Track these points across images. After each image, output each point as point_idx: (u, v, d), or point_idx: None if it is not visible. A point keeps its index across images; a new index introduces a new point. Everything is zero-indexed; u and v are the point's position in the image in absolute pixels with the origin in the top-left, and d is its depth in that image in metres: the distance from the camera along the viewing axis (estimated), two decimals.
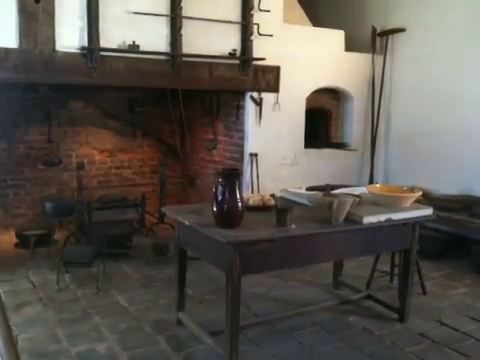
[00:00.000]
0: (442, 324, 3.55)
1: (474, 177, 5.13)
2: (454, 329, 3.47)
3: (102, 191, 5.59)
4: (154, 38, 4.44)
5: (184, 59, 4.58)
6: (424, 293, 4.07)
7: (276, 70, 5.17)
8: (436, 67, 5.50)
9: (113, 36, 4.24)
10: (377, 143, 6.04)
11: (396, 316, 3.59)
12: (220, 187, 2.81)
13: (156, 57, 4.46)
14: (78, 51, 4.15)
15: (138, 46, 4.30)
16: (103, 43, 4.19)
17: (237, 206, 2.80)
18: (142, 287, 4.05)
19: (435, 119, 5.51)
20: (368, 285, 4.12)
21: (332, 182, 4.29)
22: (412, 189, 3.48)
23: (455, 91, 5.32)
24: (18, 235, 4.82)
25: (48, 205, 5.01)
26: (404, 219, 3.28)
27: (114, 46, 4.26)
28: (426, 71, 5.62)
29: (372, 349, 3.15)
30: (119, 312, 3.56)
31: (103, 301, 3.73)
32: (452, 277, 4.50)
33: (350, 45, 5.83)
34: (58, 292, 3.86)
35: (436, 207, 4.26)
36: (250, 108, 5.21)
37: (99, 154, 5.86)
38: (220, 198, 2.79)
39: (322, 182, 3.94)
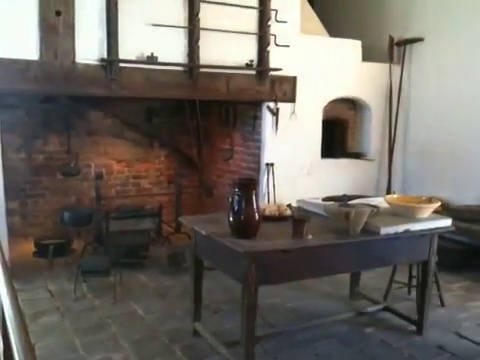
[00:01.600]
0: (461, 337, 3.49)
1: None
2: (473, 342, 3.42)
3: (120, 201, 5.63)
4: (172, 49, 4.49)
5: (201, 70, 4.61)
6: (442, 305, 4.00)
7: (293, 80, 5.18)
8: (454, 77, 5.45)
9: (132, 48, 4.30)
10: (395, 153, 6.00)
11: (414, 328, 3.54)
12: (236, 197, 2.81)
13: (174, 68, 4.51)
14: (97, 63, 4.21)
15: (156, 57, 4.35)
16: (122, 55, 4.24)
17: (253, 216, 2.80)
18: (158, 297, 4.06)
19: (453, 129, 5.45)
20: (385, 296, 4.07)
21: (349, 192, 4.27)
22: (430, 199, 3.45)
23: (473, 101, 5.26)
24: (36, 244, 4.87)
25: (66, 214, 5.07)
26: (422, 230, 3.24)
27: (133, 58, 4.31)
28: (444, 81, 5.57)
29: None
30: (135, 321, 3.58)
31: (120, 310, 3.75)
32: (471, 289, 4.43)
33: (367, 55, 5.82)
34: (75, 301, 3.89)
35: (455, 218, 4.20)
36: (267, 118, 5.22)
37: (117, 164, 5.92)
38: (236, 208, 2.80)
39: (339, 192, 3.92)
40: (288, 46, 4.99)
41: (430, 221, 3.30)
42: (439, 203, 3.39)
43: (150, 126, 5.98)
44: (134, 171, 6.04)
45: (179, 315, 3.67)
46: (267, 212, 3.26)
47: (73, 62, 4.11)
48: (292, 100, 5.22)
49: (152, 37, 4.37)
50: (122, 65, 4.27)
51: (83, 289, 4.12)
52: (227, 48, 4.72)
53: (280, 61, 4.96)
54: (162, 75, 4.45)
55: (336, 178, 5.54)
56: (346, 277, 4.08)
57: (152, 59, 4.34)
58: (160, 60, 4.37)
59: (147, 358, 3.07)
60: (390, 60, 5.92)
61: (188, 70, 4.58)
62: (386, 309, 3.83)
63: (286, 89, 5.15)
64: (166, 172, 6.22)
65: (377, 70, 5.89)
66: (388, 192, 5.72)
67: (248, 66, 4.84)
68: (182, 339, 3.31)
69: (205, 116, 6.04)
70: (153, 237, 5.19)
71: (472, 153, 5.27)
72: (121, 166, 5.95)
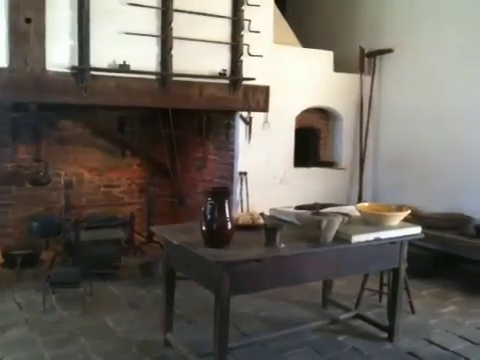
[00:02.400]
0: (431, 343, 3.55)
1: (463, 195, 5.17)
2: (443, 348, 3.47)
3: (90, 210, 5.55)
4: (145, 58, 4.47)
5: (174, 79, 4.60)
6: (413, 312, 4.06)
7: (266, 90, 5.21)
8: (423, 87, 5.59)
9: (104, 56, 4.25)
10: (366, 162, 6.09)
11: (385, 335, 3.58)
12: (209, 206, 2.81)
13: (146, 76, 4.49)
14: (68, 71, 4.16)
15: (128, 66, 4.32)
16: (93, 63, 4.20)
17: (226, 225, 2.80)
18: (130, 308, 4.00)
19: (423, 138, 5.58)
20: (357, 304, 4.10)
21: (321, 201, 4.29)
22: (400, 207, 3.51)
23: (443, 111, 5.39)
24: (4, 255, 4.75)
25: (35, 224, 4.96)
26: (392, 238, 3.29)
27: (105, 65, 4.27)
28: (414, 91, 5.71)
29: None
30: (106, 333, 3.51)
31: (90, 322, 3.68)
32: (441, 295, 4.51)
33: (339, 65, 5.91)
34: (44, 313, 3.80)
35: (425, 225, 4.27)
36: (240, 127, 5.24)
37: (88, 173, 5.83)
38: (209, 217, 2.79)
39: (311, 201, 3.94)
40: (261, 56, 5.03)
41: (400, 229, 3.35)
42: (409, 211, 3.45)
43: (122, 135, 5.93)
44: (105, 180, 5.96)
45: (151, 326, 3.61)
46: (240, 221, 3.26)
47: (43, 70, 4.04)
48: (265, 109, 5.25)
49: (124, 45, 4.34)
50: (94, 73, 4.23)
51: (52, 301, 4.03)
52: (200, 57, 4.72)
53: (253, 71, 4.99)
54: (134, 83, 4.42)
55: (309, 187, 5.58)
56: (318, 285, 4.10)
57: (124, 67, 4.31)
58: (132, 68, 4.35)
59: None
60: (361, 71, 6.03)
61: (161, 79, 4.56)
62: (358, 317, 3.87)
63: (259, 98, 5.18)
64: (138, 181, 6.16)
65: (348, 80, 5.99)
66: (359, 200, 5.80)
67: (221, 75, 4.86)
68: (153, 351, 3.26)
69: (178, 125, 6.02)
70: (125, 247, 5.11)
71: (440, 162, 5.39)
72: (92, 175, 5.86)
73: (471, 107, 5.14)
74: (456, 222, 5.07)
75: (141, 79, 4.45)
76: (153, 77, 4.53)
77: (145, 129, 6.03)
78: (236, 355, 3.20)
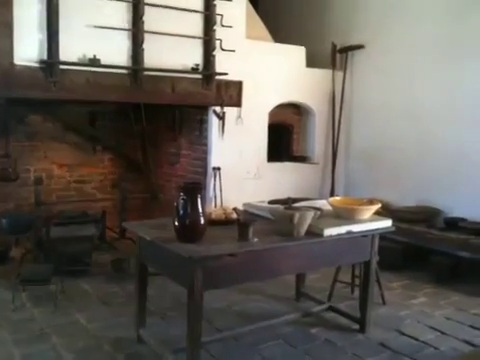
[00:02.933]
0: (402, 334, 3.62)
1: (433, 189, 5.28)
2: (414, 338, 3.54)
3: (61, 206, 5.45)
4: (115, 52, 4.41)
5: (146, 73, 4.55)
6: (384, 303, 4.13)
7: (239, 85, 5.21)
8: (394, 83, 5.68)
9: (73, 50, 4.18)
10: (338, 157, 6.16)
11: (357, 327, 3.63)
12: (182, 201, 2.80)
13: (117, 71, 4.43)
14: (37, 65, 4.07)
15: (99, 60, 4.26)
16: (63, 57, 4.12)
17: (199, 220, 2.79)
18: (102, 304, 3.96)
19: (394, 133, 5.67)
20: (330, 297, 4.16)
21: (295, 195, 4.33)
22: (371, 201, 3.56)
23: (413, 106, 5.49)
24: None
25: (4, 221, 4.85)
26: (364, 231, 3.34)
27: (74, 60, 4.20)
28: (384, 86, 5.79)
29: None
30: (77, 331, 3.47)
31: (61, 320, 3.62)
32: (411, 287, 4.60)
33: (311, 61, 5.95)
34: (14, 311, 3.73)
35: (396, 219, 4.38)
36: (213, 122, 5.23)
37: (58, 169, 5.74)
38: (182, 212, 2.78)
39: (285, 195, 3.97)
40: (234, 51, 5.02)
41: (371, 222, 3.40)
42: (379, 204, 3.50)
43: (93, 130, 5.85)
44: (76, 176, 5.87)
45: (124, 323, 3.58)
46: (213, 216, 3.25)
47: (11, 63, 3.95)
48: (238, 104, 5.25)
49: (95, 39, 4.28)
50: (63, 67, 4.15)
51: (22, 298, 3.95)
52: (173, 52, 4.69)
53: (226, 66, 4.98)
54: (105, 78, 4.35)
55: (282, 181, 5.62)
56: (292, 279, 4.14)
57: (94, 61, 4.24)
58: (103, 62, 4.28)
59: None
60: (333, 66, 6.08)
61: (132, 73, 4.51)
62: (330, 309, 3.91)
63: (232, 93, 5.18)
64: (110, 177, 6.09)
65: (321, 76, 6.03)
66: (332, 195, 5.86)
67: (194, 70, 4.83)
68: (126, 347, 3.23)
69: (151, 120, 5.97)
70: (97, 243, 5.06)
71: (411, 157, 5.49)
72: (62, 171, 5.77)
73: (440, 102, 5.24)
74: (426, 215, 5.17)
75: (112, 73, 4.39)
76: (124, 72, 4.47)
77: (117, 124, 5.96)
78: (210, 350, 3.20)
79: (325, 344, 3.42)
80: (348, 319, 3.74)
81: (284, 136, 6.24)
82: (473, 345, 3.41)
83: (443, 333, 3.64)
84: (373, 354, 3.28)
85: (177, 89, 4.76)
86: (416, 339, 3.53)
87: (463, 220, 4.89)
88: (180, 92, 4.78)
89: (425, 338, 3.54)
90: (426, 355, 3.29)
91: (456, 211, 5.05)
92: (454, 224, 4.84)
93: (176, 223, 2.79)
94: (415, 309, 4.09)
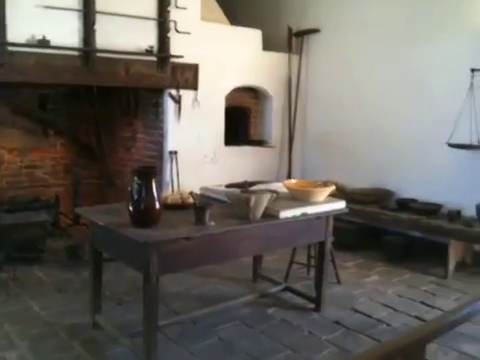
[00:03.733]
0: (356, 311, 3.73)
1: (385, 172, 5.42)
2: (367, 316, 3.66)
3: (12, 192, 5.29)
4: (66, 33, 4.27)
5: (99, 55, 4.43)
6: (339, 282, 4.24)
7: (194, 68, 5.15)
8: (349, 68, 5.75)
9: (21, 31, 4.02)
10: (295, 140, 6.22)
11: (313, 306, 3.72)
12: (136, 186, 2.76)
13: (69, 53, 4.29)
14: None
15: (48, 41, 4.11)
16: (11, 38, 3.95)
17: (154, 205, 2.76)
18: (56, 291, 3.89)
19: (348, 118, 5.76)
20: (286, 277, 4.23)
21: (252, 178, 4.36)
22: (326, 183, 3.62)
23: (365, 91, 5.59)
24: None
25: None
26: (318, 213, 3.40)
27: (23, 41, 4.04)
28: (338, 72, 5.86)
29: (290, 339, 3.25)
30: (31, 318, 3.39)
31: (14, 308, 3.54)
32: (365, 266, 4.74)
33: (267, 45, 5.94)
34: None
35: (350, 200, 4.48)
36: (169, 106, 5.15)
37: (8, 154, 5.53)
38: (136, 197, 2.75)
39: (242, 179, 3.98)
40: (189, 33, 4.94)
41: (326, 204, 3.47)
42: (334, 187, 3.56)
43: (44, 113, 5.66)
44: (27, 161, 5.68)
45: (79, 309, 3.53)
46: (169, 200, 3.23)
47: None
48: (194, 87, 5.19)
49: (44, 20, 4.12)
50: (11, 49, 3.98)
51: None
52: (126, 33, 4.57)
53: (181, 48, 4.90)
54: (56, 60, 4.21)
55: (240, 165, 5.62)
56: (249, 261, 4.18)
57: (44, 43, 4.09)
58: (53, 44, 4.14)
59: (45, 355, 2.93)
60: (289, 50, 6.10)
61: (84, 55, 4.38)
62: (287, 289, 3.99)
63: (188, 76, 5.12)
64: (63, 161, 5.92)
65: (277, 60, 6.04)
66: (289, 178, 5.92)
67: (148, 52, 4.74)
68: (82, 333, 3.20)
69: (105, 103, 5.83)
70: (50, 230, 4.94)
71: (365, 141, 5.60)
72: (12, 156, 5.56)
73: (391, 87, 5.35)
74: (379, 197, 5.31)
75: (63, 55, 4.25)
76: (75, 53, 4.34)
77: (69, 108, 5.78)
78: (167, 333, 3.21)
79: (281, 323, 3.49)
80: (304, 299, 3.83)
81: (241, 120, 6.24)
82: (424, 321, 3.55)
83: (395, 310, 3.78)
84: (328, 332, 3.37)
85: (131, 71, 4.66)
86: (369, 316, 3.65)
87: (414, 201, 5.05)
88: (134, 74, 4.69)
89: (378, 315, 3.66)
90: (379, 331, 3.41)
91: (407, 192, 5.22)
92: (405, 205, 5.00)
93: (130, 208, 2.75)
94: (368, 287, 4.22)
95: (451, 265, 4.49)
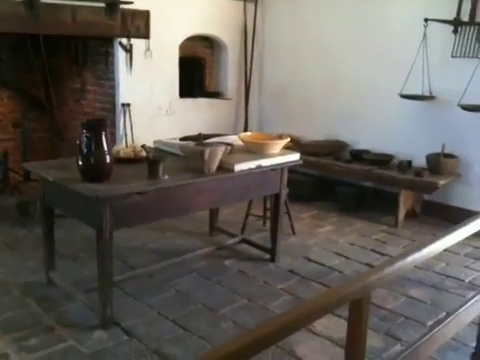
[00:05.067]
0: (310, 260, 3.84)
1: (340, 124, 5.46)
2: (320, 264, 3.78)
3: None
4: None
5: (43, 1, 4.16)
6: (294, 233, 4.33)
7: (146, 15, 4.92)
8: (305, 17, 5.64)
9: None
10: (251, 93, 6.14)
11: (268, 257, 3.79)
12: (85, 139, 2.68)
13: None
14: None
15: None
16: None
17: (104, 159, 2.70)
18: (8, 249, 3.80)
19: (304, 70, 5.71)
20: (243, 230, 4.28)
21: (208, 131, 4.31)
22: (280, 136, 3.62)
23: (321, 42, 5.52)
24: None
25: None
26: (273, 165, 3.41)
27: None
28: (296, 21, 5.75)
29: (246, 289, 3.32)
30: None
31: None
32: (319, 217, 4.85)
33: None
34: None
35: (305, 152, 4.50)
36: (120, 56, 4.94)
37: None
38: (85, 151, 2.67)
39: (198, 132, 3.93)
40: None
41: (280, 156, 3.47)
42: (288, 139, 3.57)
43: None
44: None
45: (32, 267, 3.47)
46: (121, 154, 3.16)
47: None
48: (146, 36, 4.99)
49: None
50: None
51: None
52: None
53: None
54: None
55: (195, 118, 5.53)
56: (206, 214, 4.19)
57: None
58: None
59: None
60: None
61: (27, 1, 4.10)
62: (243, 241, 4.04)
63: (139, 24, 4.90)
64: (10, 115, 5.64)
65: (232, 8, 5.84)
66: (245, 131, 5.89)
67: None
68: (36, 291, 3.16)
69: (52, 53, 5.52)
70: None
71: (320, 93, 5.59)
72: None
73: (347, 39, 5.29)
74: (333, 148, 5.37)
75: (4, 1, 3.97)
76: None
77: (14, 58, 5.45)
78: (124, 287, 3.21)
79: (238, 274, 3.56)
80: (260, 250, 3.89)
81: (196, 71, 6.07)
82: (374, 267, 3.70)
83: (347, 258, 3.91)
84: (283, 281, 3.46)
85: (78, 19, 4.42)
86: (322, 265, 3.76)
87: (367, 152, 5.14)
88: (81, 22, 4.45)
89: (330, 263, 3.79)
90: (331, 278, 3.53)
91: (361, 144, 5.30)
92: (359, 156, 5.08)
93: (80, 162, 2.67)
94: (322, 237, 4.33)
95: (401, 214, 4.65)
